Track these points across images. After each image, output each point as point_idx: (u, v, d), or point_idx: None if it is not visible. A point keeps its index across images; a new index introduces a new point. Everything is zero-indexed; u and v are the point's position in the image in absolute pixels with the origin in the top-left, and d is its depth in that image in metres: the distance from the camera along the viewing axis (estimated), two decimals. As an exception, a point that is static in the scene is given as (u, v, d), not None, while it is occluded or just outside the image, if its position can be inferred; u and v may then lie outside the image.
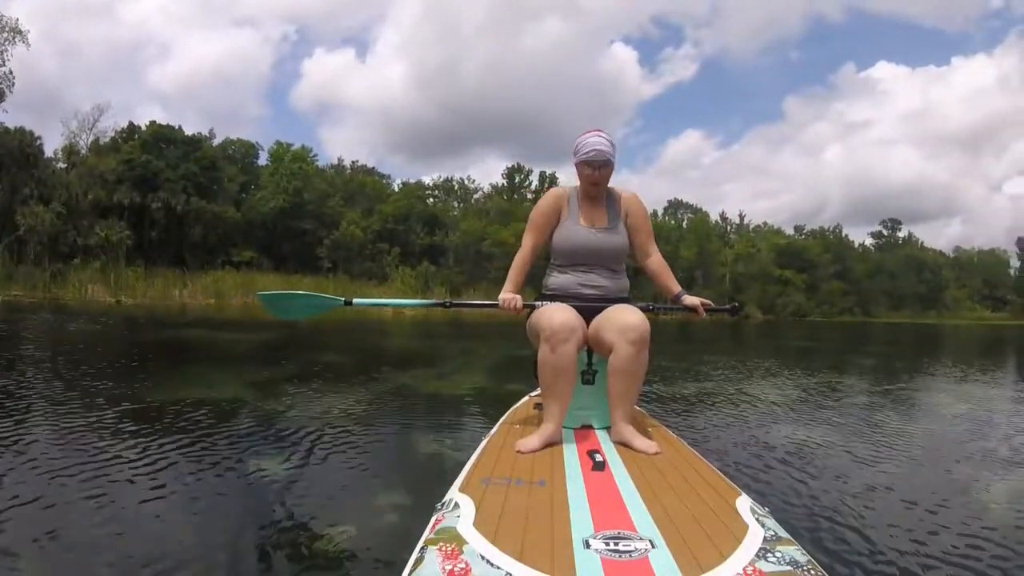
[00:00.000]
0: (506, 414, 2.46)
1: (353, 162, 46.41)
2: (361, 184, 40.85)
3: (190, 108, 77.21)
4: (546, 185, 46.55)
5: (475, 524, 1.24)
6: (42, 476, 2.56)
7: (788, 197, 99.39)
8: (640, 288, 2.32)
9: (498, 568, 1.07)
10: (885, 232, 63.86)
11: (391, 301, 2.76)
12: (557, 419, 1.95)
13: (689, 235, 46.67)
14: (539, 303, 2.20)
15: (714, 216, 53.30)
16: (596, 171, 2.23)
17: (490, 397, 5.25)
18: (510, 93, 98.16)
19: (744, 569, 1.09)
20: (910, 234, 65.40)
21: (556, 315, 2.00)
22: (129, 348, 8.70)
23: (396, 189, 42.98)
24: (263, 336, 10.72)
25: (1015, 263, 72.69)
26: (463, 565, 1.07)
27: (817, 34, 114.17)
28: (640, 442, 1.89)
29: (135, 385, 5.01)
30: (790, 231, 57.03)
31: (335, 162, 45.34)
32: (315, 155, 38.05)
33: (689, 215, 52.25)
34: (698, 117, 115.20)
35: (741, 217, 55.78)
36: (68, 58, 62.81)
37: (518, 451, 1.82)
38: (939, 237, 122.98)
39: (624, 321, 2.00)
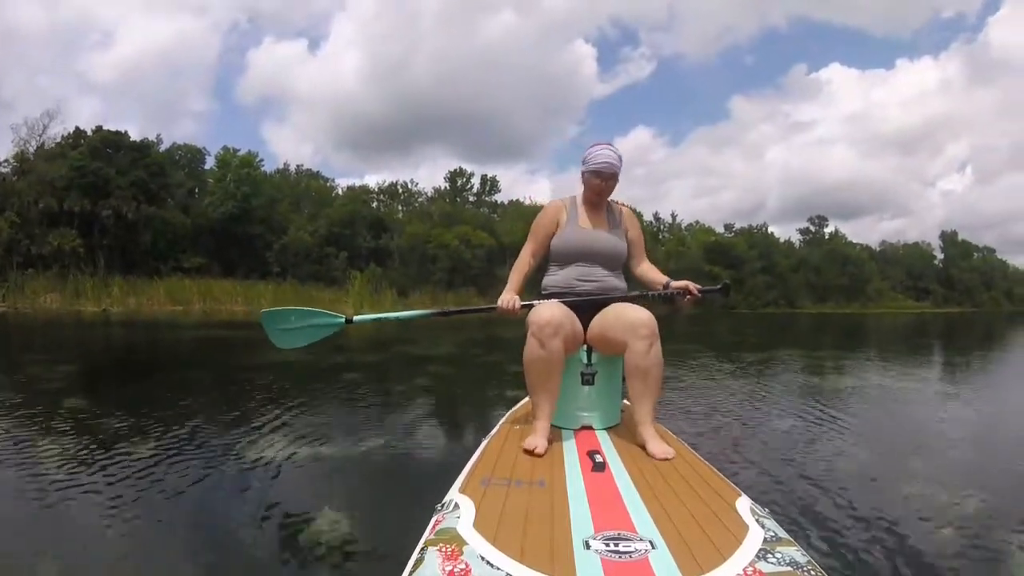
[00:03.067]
0: (506, 415, 2.52)
1: (298, 166, 49.35)
2: (306, 188, 44.00)
3: (131, 100, 76.81)
4: (487, 187, 50.65)
5: (475, 525, 1.30)
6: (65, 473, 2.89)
7: (729, 194, 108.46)
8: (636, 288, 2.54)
9: (498, 569, 1.12)
10: (812, 228, 71.07)
11: (389, 315, 3.17)
12: (547, 416, 2.06)
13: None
14: (536, 302, 2.30)
15: (648, 216, 58.77)
16: (604, 182, 2.39)
17: (490, 398, 5.49)
18: (462, 90, 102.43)
19: (744, 569, 1.14)
20: (836, 230, 73.07)
21: (543, 312, 2.12)
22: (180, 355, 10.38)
23: (340, 192, 46.34)
24: (255, 339, 10.62)
25: (940, 255, 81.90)
26: (463, 566, 1.13)
27: (772, 40, 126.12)
28: (658, 447, 1.95)
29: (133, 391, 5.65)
30: (728, 229, 63.50)
31: (281, 166, 48.22)
32: (261, 160, 40.73)
33: (625, 215, 57.05)
34: (649, 116, 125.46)
35: (673, 216, 61.77)
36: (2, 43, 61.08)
37: (524, 450, 1.91)
38: (873, 232, 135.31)
39: (633, 318, 2.13)
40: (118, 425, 4.00)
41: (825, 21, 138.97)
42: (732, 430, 4.31)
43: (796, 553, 1.22)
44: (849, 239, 73.56)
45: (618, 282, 2.48)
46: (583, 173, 2.44)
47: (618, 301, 2.33)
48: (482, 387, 6.32)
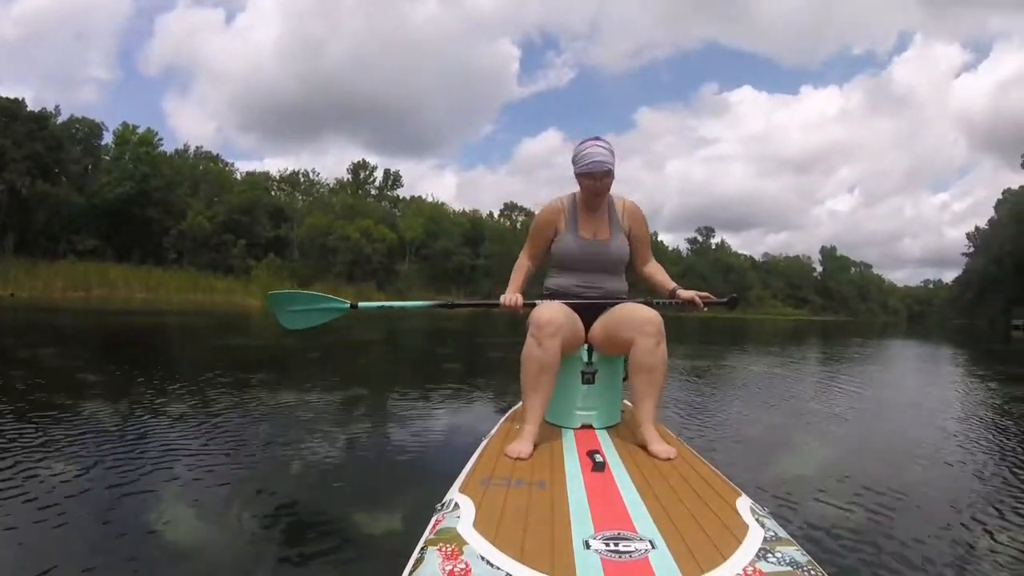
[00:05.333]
0: (506, 414, 2.58)
1: (197, 147, 50.43)
2: (204, 171, 45.39)
3: (29, 61, 73.93)
4: (390, 182, 53.89)
5: (475, 525, 1.33)
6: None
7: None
8: (636, 288, 2.54)
9: (498, 569, 1.15)
10: (700, 239, 78.80)
11: (393, 304, 2.76)
12: (536, 419, 2.07)
13: (522, 235, 55.38)
14: (538, 302, 2.34)
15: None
16: (597, 182, 2.34)
17: (490, 397, 5.61)
18: (377, 79, 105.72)
19: (744, 569, 1.17)
20: (722, 240, 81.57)
21: (544, 311, 2.15)
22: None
23: (239, 177, 47.93)
24: (245, 333, 12.19)
25: (820, 268, 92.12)
26: (463, 566, 1.16)
27: (687, 60, 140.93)
28: (659, 447, 1.99)
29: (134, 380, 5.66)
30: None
31: (181, 146, 49.17)
32: (161, 139, 41.74)
33: (522, 217, 61.06)
34: (560, 120, 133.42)
35: (568, 223, 67.13)
36: None
37: (508, 455, 1.91)
38: (760, 244, 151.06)
39: (640, 316, 2.17)
40: (112, 420, 4.05)
41: (739, 46, 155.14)
42: (726, 427, 4.46)
43: (796, 553, 1.26)
44: (735, 250, 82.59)
45: (620, 285, 2.50)
46: (576, 175, 2.40)
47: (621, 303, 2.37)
48: (483, 386, 6.46)
